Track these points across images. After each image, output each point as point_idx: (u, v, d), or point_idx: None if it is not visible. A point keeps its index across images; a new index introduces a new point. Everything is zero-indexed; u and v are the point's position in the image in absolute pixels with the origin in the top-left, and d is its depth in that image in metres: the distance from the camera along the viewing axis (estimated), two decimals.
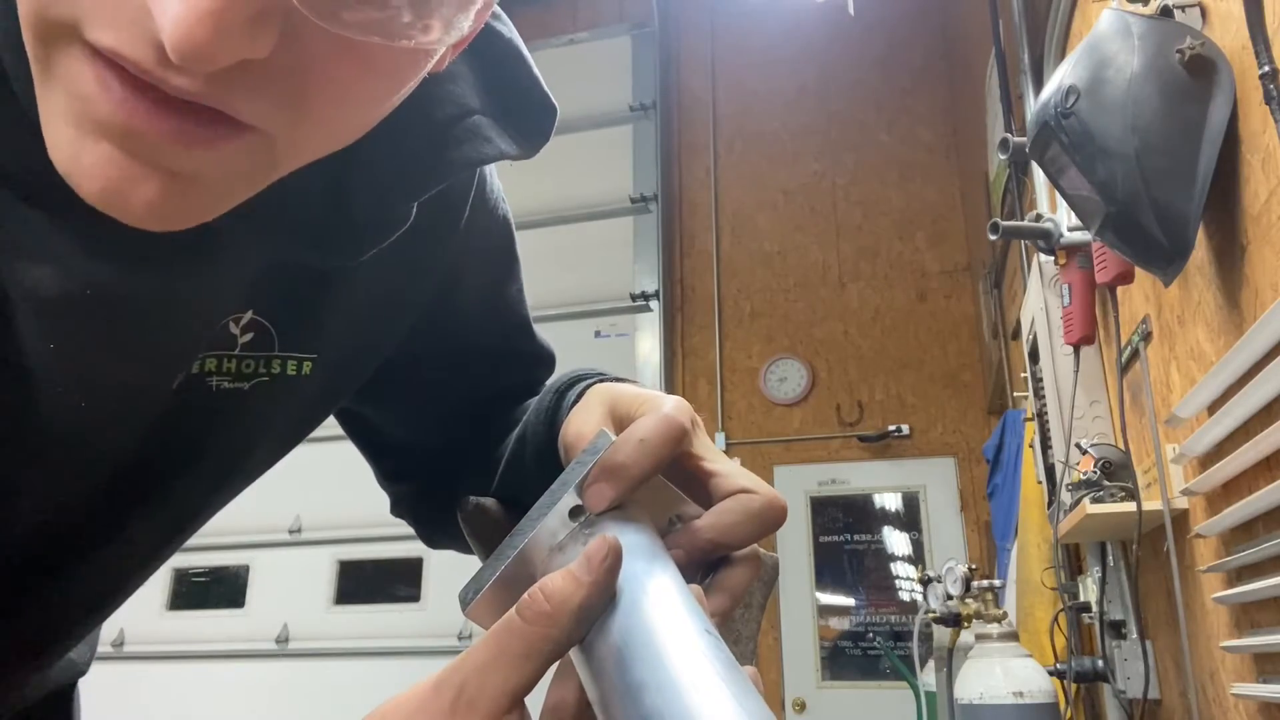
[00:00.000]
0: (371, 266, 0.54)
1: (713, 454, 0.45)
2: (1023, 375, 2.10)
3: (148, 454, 0.50)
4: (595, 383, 0.53)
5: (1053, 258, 1.64)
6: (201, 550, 4.56)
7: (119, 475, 0.49)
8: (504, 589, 0.39)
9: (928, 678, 1.94)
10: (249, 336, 0.51)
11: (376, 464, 0.73)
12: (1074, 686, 1.63)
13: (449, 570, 4.22)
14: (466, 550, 0.70)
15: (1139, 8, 1.11)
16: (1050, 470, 1.74)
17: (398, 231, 0.49)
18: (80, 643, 0.61)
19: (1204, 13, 1.10)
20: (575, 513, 0.40)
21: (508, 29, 0.53)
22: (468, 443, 0.70)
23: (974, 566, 1.84)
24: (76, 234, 0.41)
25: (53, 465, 0.46)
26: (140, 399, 0.48)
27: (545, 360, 0.73)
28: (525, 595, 0.35)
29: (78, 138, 0.31)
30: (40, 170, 0.37)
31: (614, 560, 0.35)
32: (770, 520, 0.43)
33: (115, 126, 0.30)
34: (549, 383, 0.58)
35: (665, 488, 0.44)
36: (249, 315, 0.50)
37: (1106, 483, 1.41)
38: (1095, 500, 1.40)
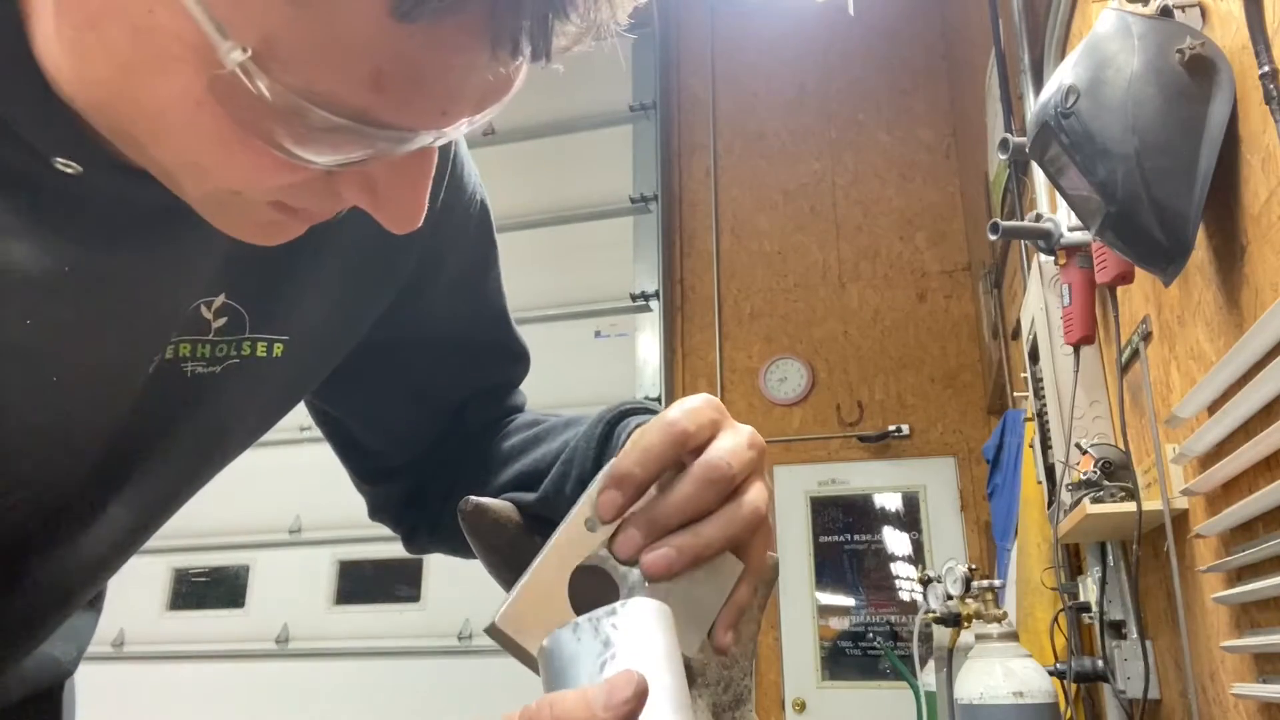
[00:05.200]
0: (344, 246, 0.54)
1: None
2: (1023, 375, 2.10)
3: (125, 438, 0.50)
4: (647, 419, 0.53)
5: (1053, 258, 1.64)
6: (201, 550, 4.56)
7: (97, 458, 0.50)
8: (532, 601, 0.41)
9: (928, 678, 1.93)
10: (222, 320, 0.51)
11: (352, 465, 0.72)
12: (1074, 686, 1.63)
13: (449, 570, 4.22)
14: (450, 552, 0.69)
15: (1139, 8, 1.11)
16: (1050, 470, 1.74)
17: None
18: (55, 634, 0.61)
19: (1204, 13, 1.10)
20: (590, 524, 0.42)
21: None
22: (448, 441, 0.69)
23: (974, 566, 1.84)
24: (49, 216, 0.42)
25: (30, 445, 0.46)
26: (116, 381, 0.48)
27: (521, 357, 0.73)
28: (535, 707, 0.35)
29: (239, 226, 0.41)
30: (10, 156, 0.38)
31: (636, 705, 0.34)
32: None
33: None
34: (600, 412, 0.58)
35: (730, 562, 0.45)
36: (221, 299, 0.51)
37: (1106, 483, 1.40)
38: (1095, 500, 1.40)
